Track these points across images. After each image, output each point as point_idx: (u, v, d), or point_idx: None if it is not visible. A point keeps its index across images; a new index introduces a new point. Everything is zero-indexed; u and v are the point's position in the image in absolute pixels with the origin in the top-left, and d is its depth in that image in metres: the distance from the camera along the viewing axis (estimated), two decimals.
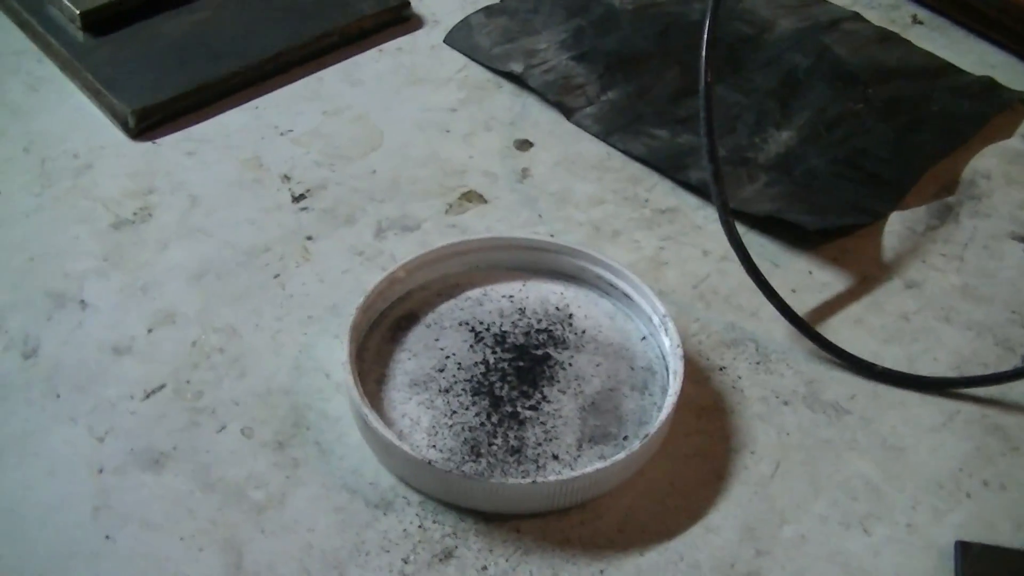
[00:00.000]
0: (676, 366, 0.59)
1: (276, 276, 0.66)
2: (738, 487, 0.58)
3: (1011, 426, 0.62)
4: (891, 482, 0.59)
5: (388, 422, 0.58)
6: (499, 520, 0.54)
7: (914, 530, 0.57)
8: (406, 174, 0.75)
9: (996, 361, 0.66)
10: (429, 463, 0.54)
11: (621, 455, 0.55)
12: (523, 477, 0.56)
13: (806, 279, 0.69)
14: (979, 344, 0.67)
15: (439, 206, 0.70)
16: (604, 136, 0.77)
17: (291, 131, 0.78)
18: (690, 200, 0.73)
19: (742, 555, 0.54)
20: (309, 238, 0.70)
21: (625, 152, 0.77)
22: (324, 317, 0.63)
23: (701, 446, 0.59)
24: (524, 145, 0.76)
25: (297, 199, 0.72)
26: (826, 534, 0.56)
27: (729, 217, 0.64)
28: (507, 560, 0.53)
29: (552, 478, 0.54)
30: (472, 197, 0.73)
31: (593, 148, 0.77)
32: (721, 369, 0.62)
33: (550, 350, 0.62)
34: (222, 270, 0.66)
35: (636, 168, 0.76)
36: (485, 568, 0.53)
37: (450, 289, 0.66)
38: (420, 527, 0.54)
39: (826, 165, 0.75)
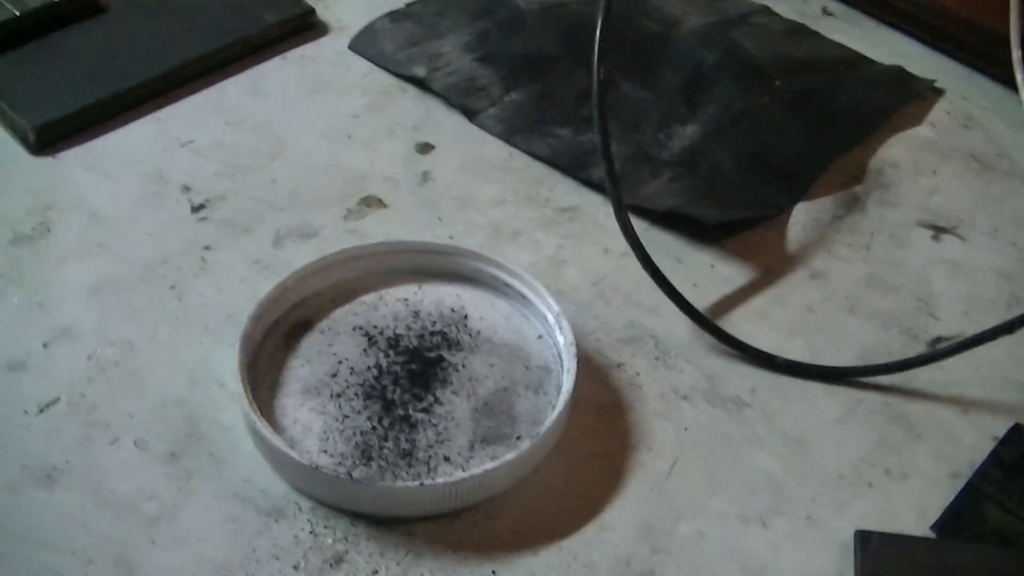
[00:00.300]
0: (570, 364, 0.58)
1: (172, 287, 0.64)
2: (635, 485, 0.56)
3: (915, 413, 0.61)
4: (792, 475, 0.57)
5: (279, 429, 0.57)
6: (391, 524, 0.53)
7: (814, 523, 0.56)
8: (306, 182, 0.73)
9: (902, 350, 0.65)
10: (317, 468, 0.53)
11: (511, 455, 0.54)
12: (413, 480, 0.54)
13: (708, 273, 0.68)
14: (885, 334, 0.66)
15: (338, 212, 0.68)
16: (507, 137, 0.76)
17: (192, 142, 0.76)
18: (592, 198, 0.72)
19: (637, 553, 0.53)
20: (207, 248, 0.67)
21: (528, 152, 0.76)
22: (220, 327, 0.61)
23: (598, 445, 0.58)
24: (426, 149, 0.75)
25: (196, 209, 0.70)
26: (724, 530, 0.54)
27: (624, 212, 0.63)
28: (398, 564, 0.52)
29: (441, 480, 0.52)
30: (372, 202, 0.71)
31: (496, 150, 0.76)
32: (619, 366, 0.61)
33: (444, 352, 0.61)
34: (119, 284, 0.63)
35: (539, 168, 0.74)
36: (376, 572, 0.52)
37: (345, 295, 0.64)
38: (311, 533, 0.53)
39: (731, 160, 0.74)
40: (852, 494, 0.56)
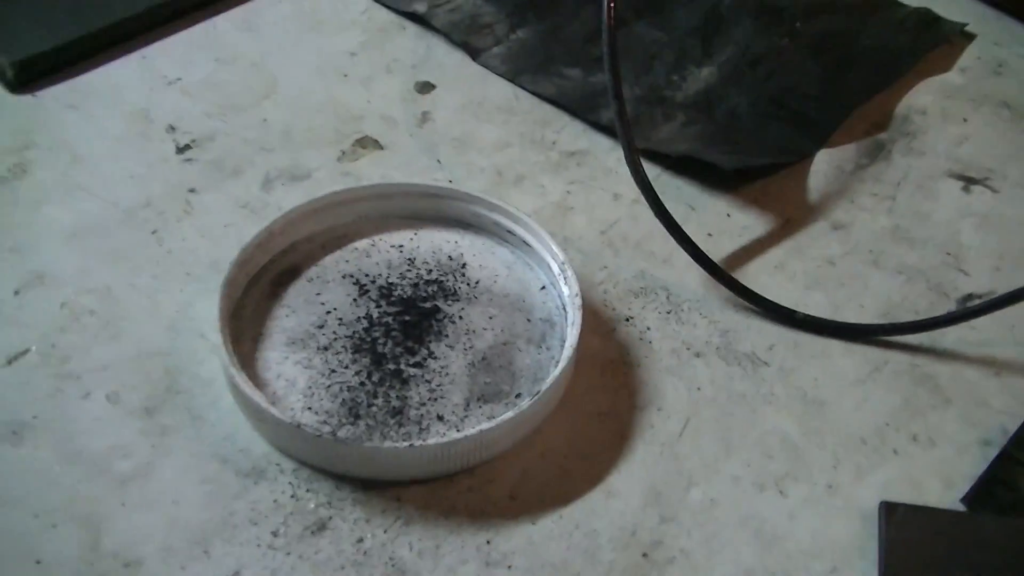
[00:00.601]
0: (575, 316, 0.54)
1: (154, 232, 0.60)
2: (643, 447, 0.53)
3: (942, 376, 0.57)
4: (811, 438, 0.54)
5: (262, 384, 0.53)
6: (379, 488, 0.49)
7: (835, 491, 0.52)
8: (299, 122, 0.69)
9: (928, 307, 0.61)
10: (299, 427, 0.49)
11: (509, 414, 0.50)
12: (404, 440, 0.50)
13: (724, 222, 0.64)
14: (910, 289, 0.62)
15: (332, 154, 0.65)
16: (512, 77, 0.71)
17: (180, 81, 0.72)
18: (602, 142, 0.67)
19: (645, 522, 0.50)
20: (192, 191, 0.64)
21: (534, 93, 0.72)
22: (204, 274, 0.58)
23: (604, 403, 0.54)
24: (426, 88, 0.71)
25: (182, 150, 0.66)
26: (738, 497, 0.51)
27: (635, 156, 0.59)
28: (385, 531, 0.48)
29: (432, 441, 0.49)
30: (367, 144, 0.67)
31: (500, 90, 0.71)
32: (628, 320, 0.57)
33: (439, 303, 0.57)
34: (99, 228, 0.60)
35: (545, 110, 0.70)
36: (361, 540, 0.48)
37: (336, 240, 0.60)
38: (293, 496, 0.49)
39: (749, 104, 0.70)
40: (875, 460, 0.53)
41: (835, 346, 0.58)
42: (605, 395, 0.55)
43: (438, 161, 0.66)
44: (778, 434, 0.54)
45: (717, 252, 0.61)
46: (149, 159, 0.65)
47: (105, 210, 0.62)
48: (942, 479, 0.52)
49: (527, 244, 0.59)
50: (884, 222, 0.65)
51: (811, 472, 0.52)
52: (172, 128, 0.68)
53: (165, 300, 0.57)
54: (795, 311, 0.58)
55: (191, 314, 0.56)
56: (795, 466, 0.52)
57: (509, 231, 0.60)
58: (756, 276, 0.61)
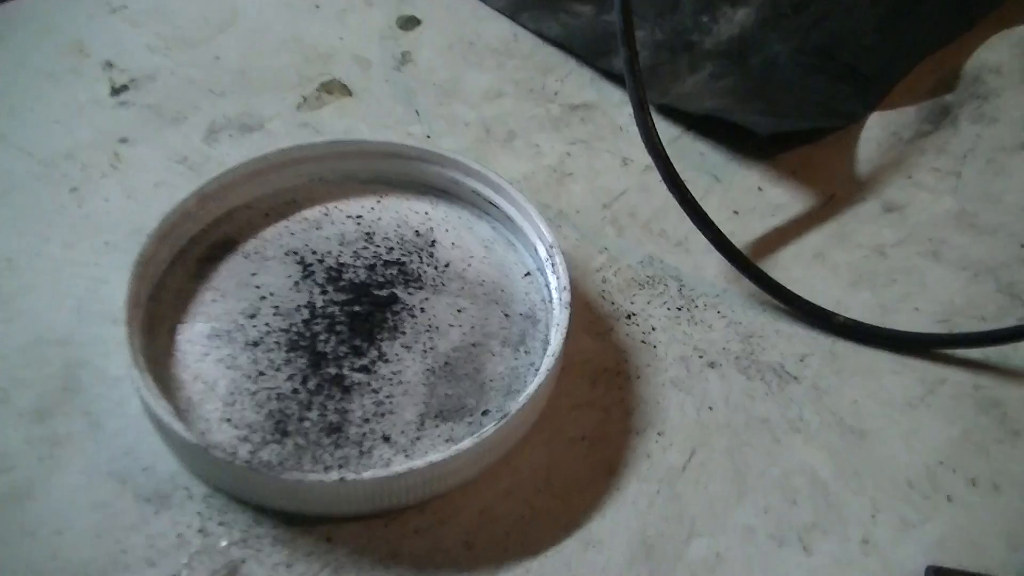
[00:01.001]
0: (561, 316, 0.43)
1: (73, 190, 0.53)
2: (636, 484, 0.44)
3: (1012, 402, 0.48)
4: (846, 480, 0.45)
5: (176, 386, 0.45)
6: (307, 524, 0.42)
7: (871, 549, 0.43)
8: (257, 61, 0.61)
9: (997, 313, 0.52)
10: (205, 449, 0.40)
11: (467, 442, 0.40)
12: (338, 467, 0.41)
13: (754, 198, 0.56)
14: (976, 290, 0.53)
15: (291, 100, 0.58)
16: (512, 13, 0.62)
17: (125, 8, 0.63)
18: (613, 94, 0.58)
19: None
20: (123, 141, 0.56)
21: (536, 33, 0.63)
22: (124, 244, 0.50)
23: (591, 425, 0.46)
24: (410, 24, 0.61)
25: (117, 91, 0.58)
26: (750, 553, 0.42)
27: (646, 114, 0.48)
28: None
29: (368, 475, 0.39)
30: (334, 89, 0.57)
31: (497, 28, 0.62)
32: (629, 317, 0.49)
33: (398, 290, 0.47)
34: (9, 184, 0.52)
35: (548, 54, 0.61)
36: None
37: (282, 208, 0.51)
38: (201, 531, 0.42)
39: (790, 54, 0.62)
40: (924, 511, 0.44)
41: (882, 360, 0.50)
42: (593, 415, 0.46)
43: (416, 112, 0.58)
44: (806, 473, 0.45)
45: (743, 235, 0.54)
46: (78, 101, 0.57)
47: (18, 161, 0.54)
48: (1007, 537, 0.43)
49: (511, 220, 0.49)
50: (947, 204, 0.57)
51: (844, 524, 0.44)
52: (109, 65, 0.60)
53: (74, 275, 0.49)
54: (835, 314, 0.50)
55: (103, 294, 0.48)
56: (824, 515, 0.44)
57: (490, 202, 0.50)
58: (789, 267, 0.53)
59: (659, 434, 0.46)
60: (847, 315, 0.50)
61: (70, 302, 0.48)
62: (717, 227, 0.50)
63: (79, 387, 0.45)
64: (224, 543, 0.41)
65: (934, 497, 0.45)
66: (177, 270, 0.49)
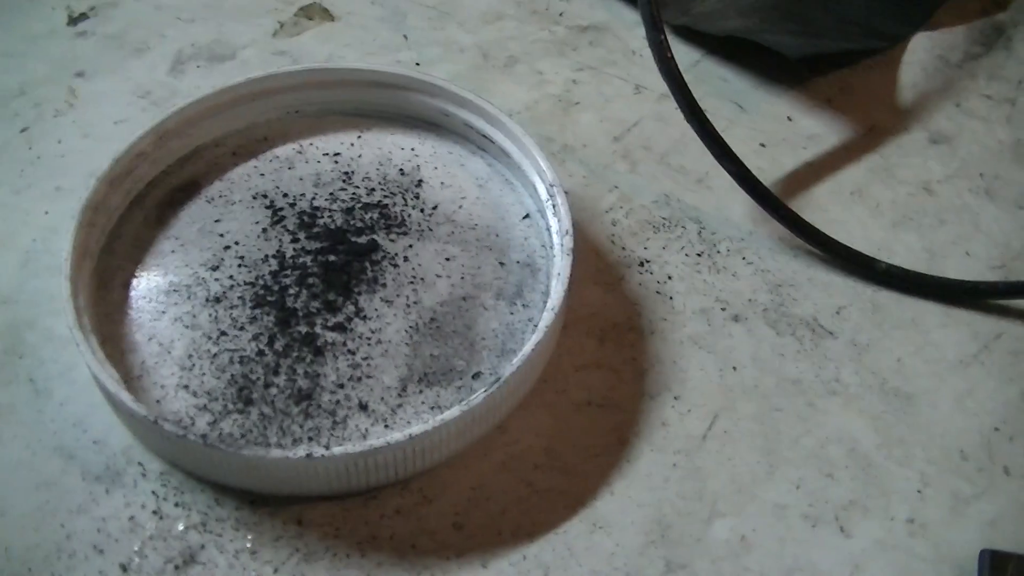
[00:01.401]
0: (562, 263, 0.38)
1: (24, 130, 0.49)
2: (649, 456, 0.39)
3: None
4: (890, 450, 0.40)
5: (128, 348, 0.40)
6: (273, 504, 0.37)
7: (919, 530, 0.38)
8: None
9: None
10: (155, 422, 0.36)
11: (454, 410, 0.36)
12: (307, 439, 0.36)
13: (784, 129, 0.51)
14: None
15: (267, 26, 0.55)
16: None
17: None
18: (625, 14, 0.53)
19: (644, 569, 0.36)
20: (80, 75, 0.52)
21: None
22: (78, 189, 0.45)
23: (599, 389, 0.41)
24: None
25: (75, 20, 0.55)
26: (781, 534, 0.37)
27: (660, 34, 0.43)
28: (276, 571, 0.36)
29: (339, 451, 0.35)
30: (314, 12, 0.53)
31: None
32: (643, 265, 0.45)
33: (379, 236, 0.42)
34: None
35: None
36: None
37: (252, 146, 0.46)
38: (156, 513, 0.37)
39: None
40: (979, 485, 0.39)
41: (930, 312, 0.45)
42: (601, 376, 0.41)
43: (404, 37, 0.54)
44: (844, 442, 0.40)
45: (772, 171, 0.49)
46: (31, 32, 0.54)
47: None
48: None
49: (508, 156, 0.42)
50: (1001, 135, 0.52)
51: (887, 501, 0.39)
52: None
53: (22, 225, 0.45)
54: (876, 259, 0.45)
55: (53, 246, 0.44)
56: (865, 491, 0.39)
57: (485, 136, 0.45)
58: (824, 207, 0.48)
59: (676, 398, 0.41)
60: (890, 261, 0.45)
61: (15, 255, 0.44)
62: (742, 161, 0.45)
63: (24, 350, 0.41)
64: (181, 527, 0.37)
65: (990, 469, 0.40)
66: (135, 217, 0.45)
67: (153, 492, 0.38)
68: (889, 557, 0.37)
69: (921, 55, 0.55)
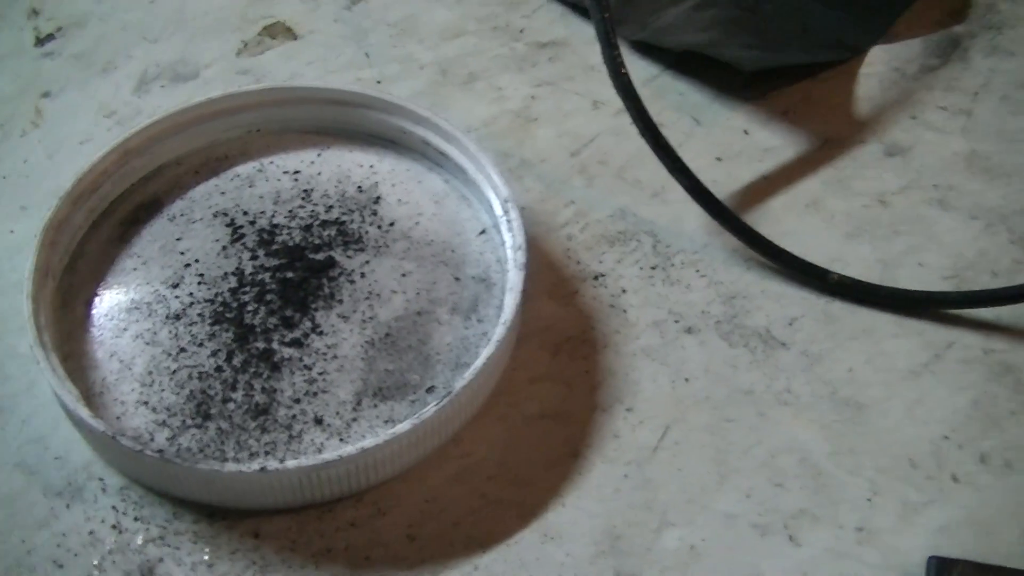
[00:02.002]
0: (515, 278, 0.39)
1: None
2: (601, 468, 0.40)
3: None
4: (840, 459, 0.40)
5: (90, 365, 0.41)
6: (232, 517, 0.38)
7: (868, 537, 0.38)
8: (195, 3, 0.58)
9: (1011, 267, 0.47)
10: (113, 438, 0.36)
11: (405, 424, 0.37)
12: (264, 453, 0.37)
13: (740, 142, 0.51)
14: (988, 242, 0.48)
15: (231, 45, 0.55)
16: None
17: None
18: (585, 30, 0.54)
19: None
20: (46, 95, 0.53)
21: None
22: (43, 208, 0.44)
23: (552, 402, 0.41)
24: None
25: (42, 41, 0.56)
26: (731, 543, 0.38)
27: (614, 49, 0.43)
28: None
29: (293, 464, 0.35)
30: (278, 31, 0.53)
31: None
32: (597, 278, 0.45)
33: (336, 253, 0.42)
34: None
35: None
36: None
37: (214, 164, 0.47)
38: (115, 527, 0.38)
39: None
40: (928, 492, 0.39)
41: (882, 322, 0.44)
42: (554, 389, 0.42)
43: (366, 55, 0.54)
44: (794, 451, 0.40)
45: (728, 184, 0.49)
46: (0, 51, 0.54)
47: None
48: (1021, 522, 0.38)
49: (464, 171, 0.43)
50: (956, 146, 0.51)
51: (837, 509, 0.39)
52: (35, 12, 0.57)
53: None
54: (829, 271, 0.45)
55: (17, 264, 0.44)
56: (815, 500, 0.39)
57: (442, 152, 0.45)
58: (779, 219, 0.48)
59: (628, 410, 0.41)
60: (843, 272, 0.45)
61: None
62: (694, 174, 0.45)
63: None
64: (140, 540, 0.38)
65: (939, 477, 0.40)
66: (98, 235, 0.46)
67: (113, 507, 0.39)
68: (838, 565, 0.38)
69: (878, 67, 0.55)
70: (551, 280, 0.45)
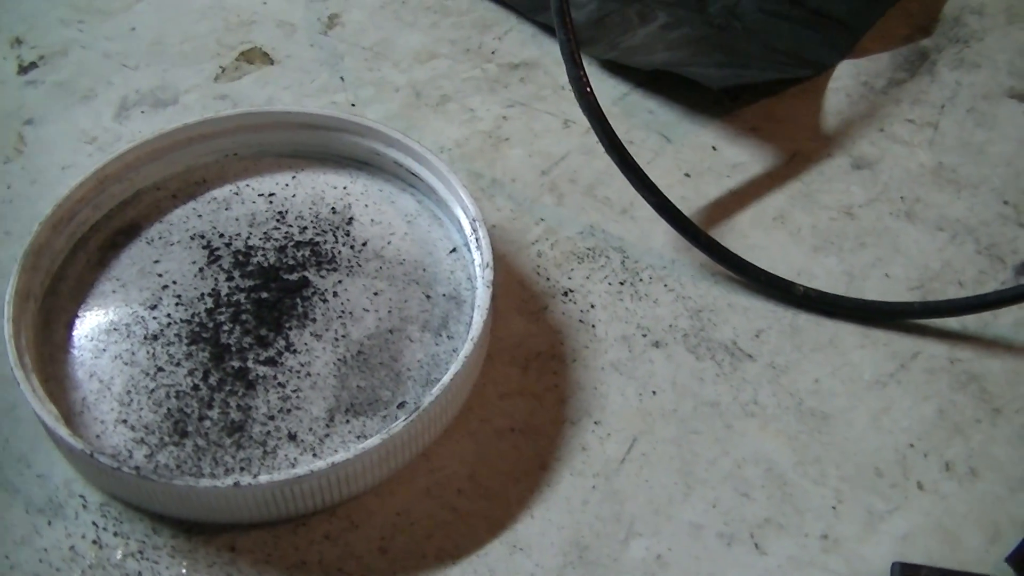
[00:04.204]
0: (483, 295, 0.39)
1: None
2: (569, 480, 0.40)
3: (992, 376, 0.44)
4: (805, 468, 0.41)
5: (71, 385, 0.41)
6: (208, 532, 0.38)
7: (833, 545, 0.39)
8: (175, 30, 0.57)
9: (977, 278, 0.47)
10: (91, 456, 0.37)
11: (375, 439, 0.37)
12: (239, 468, 0.37)
13: (708, 159, 0.51)
14: (953, 252, 0.48)
15: (210, 71, 0.53)
16: None
17: None
18: (555, 51, 0.54)
19: None
20: (28, 123, 0.53)
21: None
22: (25, 233, 0.44)
23: (521, 415, 0.42)
24: None
25: (25, 70, 0.55)
26: (696, 553, 0.38)
27: (579, 68, 0.44)
28: None
29: (265, 479, 0.35)
30: (255, 57, 0.52)
31: None
32: (566, 294, 0.45)
33: (310, 273, 0.43)
34: None
35: (487, 8, 0.57)
36: None
37: (191, 188, 0.47)
38: (95, 542, 0.38)
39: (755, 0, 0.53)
40: (893, 501, 0.40)
41: (847, 333, 0.45)
42: (524, 403, 0.42)
43: (341, 79, 0.53)
44: (760, 462, 0.41)
45: (695, 200, 0.49)
46: None
47: None
48: (984, 529, 0.39)
49: (435, 192, 0.44)
50: (923, 158, 0.52)
51: (802, 518, 0.39)
52: (19, 41, 0.57)
53: None
54: (795, 284, 0.45)
55: (0, 289, 0.43)
56: (780, 509, 0.39)
57: (413, 174, 0.45)
58: (747, 233, 0.48)
59: (596, 423, 0.41)
60: (810, 284, 0.46)
61: None
62: (660, 191, 0.45)
63: None
64: (119, 555, 0.38)
65: (904, 484, 0.40)
66: (78, 259, 0.46)
67: (93, 522, 0.39)
68: (803, 573, 0.38)
69: (846, 82, 0.55)
70: (521, 296, 0.45)
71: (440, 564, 0.38)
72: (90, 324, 0.43)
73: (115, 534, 0.39)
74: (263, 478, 0.36)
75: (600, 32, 0.53)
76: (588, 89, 0.44)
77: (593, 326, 0.44)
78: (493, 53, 0.55)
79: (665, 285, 0.46)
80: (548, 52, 0.55)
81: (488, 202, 0.48)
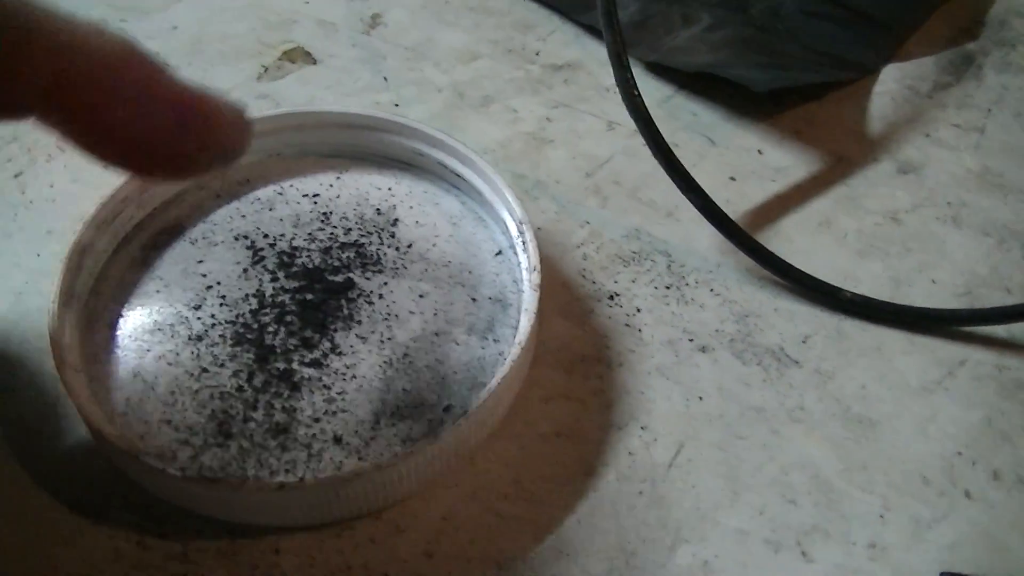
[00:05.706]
0: (530, 299, 0.39)
1: (17, 176, 0.50)
2: (615, 485, 0.40)
3: None
4: (852, 476, 0.40)
5: (115, 385, 0.41)
6: (253, 534, 0.38)
7: (879, 554, 0.38)
8: (216, 29, 0.57)
9: None
10: (137, 457, 0.36)
11: (422, 443, 0.38)
12: (286, 470, 0.39)
13: (753, 162, 0.51)
14: (1002, 258, 0.48)
15: (251, 70, 0.53)
16: None
17: None
18: (599, 52, 0.53)
19: None
20: None
21: None
22: (68, 232, 0.45)
23: (566, 420, 0.41)
24: None
25: None
26: (743, 559, 0.38)
27: (627, 71, 0.43)
28: None
29: (310, 481, 0.34)
30: (297, 56, 0.52)
31: None
32: (612, 298, 0.45)
33: (355, 275, 0.42)
34: None
35: (530, 9, 0.56)
36: None
37: (234, 188, 0.47)
38: (139, 544, 0.38)
39: (797, 1, 0.52)
40: (940, 509, 0.39)
41: (894, 339, 0.44)
42: (569, 408, 0.42)
43: (384, 79, 0.53)
44: (806, 468, 0.40)
45: (740, 203, 0.49)
46: None
47: None
48: None
49: (480, 193, 0.43)
50: (969, 163, 0.51)
51: (849, 526, 0.39)
52: None
53: (14, 267, 0.46)
54: (841, 288, 0.45)
55: (43, 287, 0.44)
56: (827, 516, 0.39)
57: (458, 175, 0.45)
58: (792, 238, 0.48)
59: (643, 428, 0.41)
60: (855, 290, 0.45)
61: (7, 297, 0.44)
62: (706, 194, 0.45)
63: (14, 388, 0.41)
64: (161, 557, 0.38)
65: (951, 493, 0.40)
66: (121, 259, 0.46)
67: (137, 524, 0.38)
68: None
69: (891, 85, 0.55)
70: (566, 300, 0.45)
71: (485, 568, 0.38)
72: (133, 324, 0.43)
73: (159, 535, 0.38)
74: (309, 480, 0.36)
75: (643, 34, 0.53)
76: (636, 92, 0.44)
77: (639, 330, 0.44)
78: (537, 54, 0.55)
79: (711, 289, 0.45)
80: (592, 54, 0.55)
81: (532, 204, 0.48)
